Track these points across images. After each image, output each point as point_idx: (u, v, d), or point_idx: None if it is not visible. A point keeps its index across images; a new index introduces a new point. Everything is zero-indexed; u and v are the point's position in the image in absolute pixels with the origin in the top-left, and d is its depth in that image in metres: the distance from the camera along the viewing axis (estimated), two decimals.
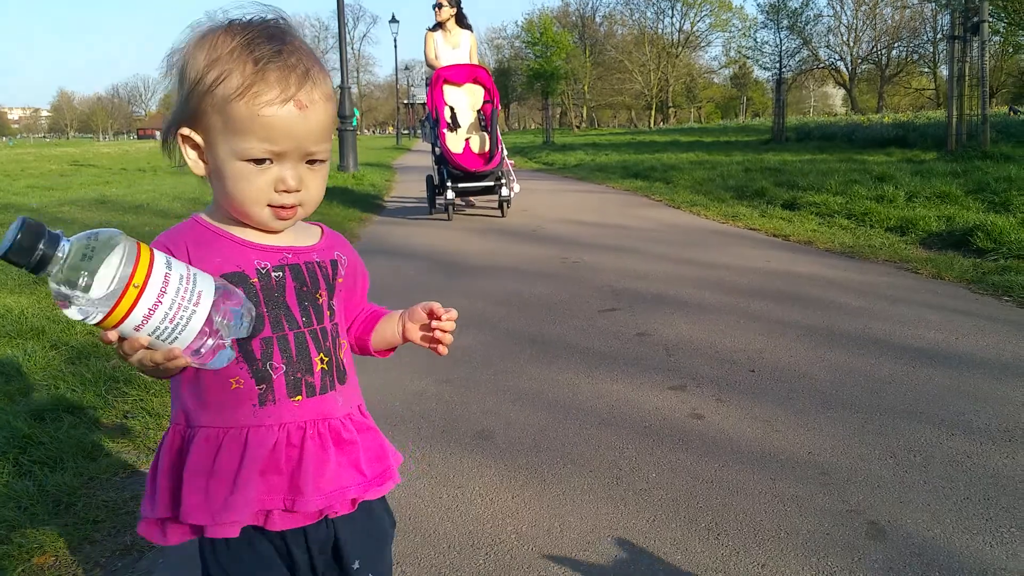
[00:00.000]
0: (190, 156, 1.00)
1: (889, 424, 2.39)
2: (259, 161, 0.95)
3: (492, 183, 7.51)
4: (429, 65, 8.17)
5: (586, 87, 65.24)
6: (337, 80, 13.56)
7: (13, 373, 3.05)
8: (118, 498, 2.09)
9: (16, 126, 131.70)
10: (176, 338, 0.82)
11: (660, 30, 67.61)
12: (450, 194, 7.38)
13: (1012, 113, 24.33)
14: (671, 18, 67.33)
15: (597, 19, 68.77)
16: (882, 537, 1.78)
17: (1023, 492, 1.95)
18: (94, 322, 0.79)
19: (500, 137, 7.80)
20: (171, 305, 0.81)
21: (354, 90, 13.32)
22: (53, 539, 1.87)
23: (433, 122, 7.67)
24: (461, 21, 8.14)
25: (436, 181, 7.80)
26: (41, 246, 0.75)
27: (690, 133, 35.52)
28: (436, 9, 8.01)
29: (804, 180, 8.75)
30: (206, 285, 0.85)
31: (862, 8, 60.03)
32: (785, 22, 25.88)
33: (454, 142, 7.50)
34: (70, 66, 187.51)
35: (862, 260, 5.09)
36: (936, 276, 4.56)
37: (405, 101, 53.79)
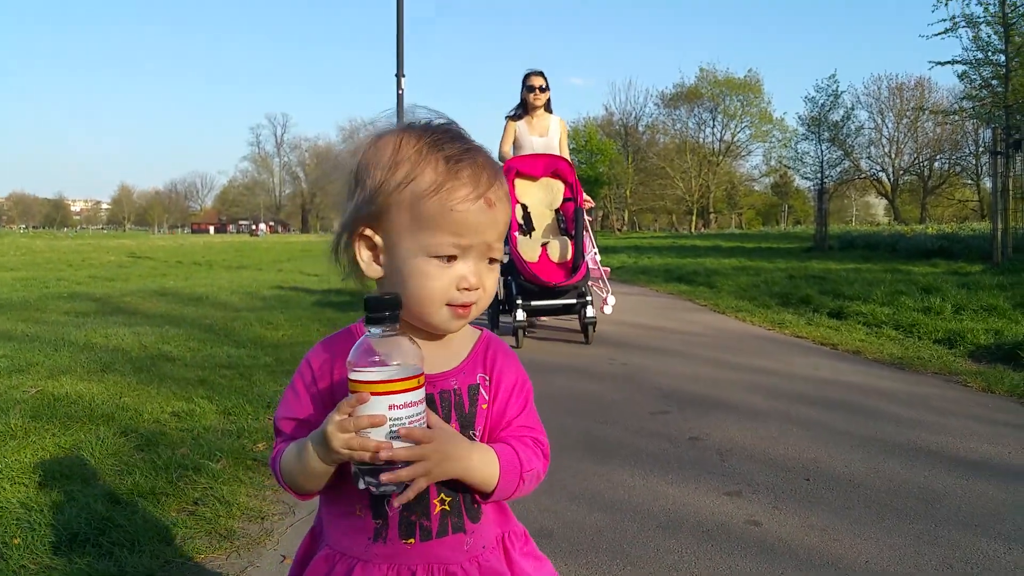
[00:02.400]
0: (363, 258, 1.03)
1: (945, 536, 2.41)
2: (444, 258, 0.98)
3: (574, 300, 6.04)
4: (502, 157, 6.68)
5: (628, 192, 66.55)
6: None
7: (87, 457, 3.22)
8: None
9: (77, 217, 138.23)
10: (397, 438, 0.93)
11: (701, 139, 69.26)
12: (520, 315, 5.85)
13: None
14: (712, 128, 69.05)
15: (640, 128, 70.79)
16: None
17: None
18: (380, 377, 0.92)
19: (591, 240, 6.53)
20: (416, 413, 0.94)
21: None
22: None
23: None
24: (548, 105, 6.79)
25: (501, 295, 6.15)
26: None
27: (731, 239, 35.84)
28: (530, 94, 6.57)
29: (849, 289, 8.80)
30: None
31: (903, 121, 60.92)
32: (826, 134, 26.39)
33: (528, 249, 6.05)
34: (132, 161, 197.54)
35: (911, 371, 5.10)
36: (986, 389, 4.56)
37: None
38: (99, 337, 6.08)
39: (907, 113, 60.02)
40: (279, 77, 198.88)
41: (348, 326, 1.13)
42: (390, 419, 0.92)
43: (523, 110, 6.73)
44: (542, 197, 6.51)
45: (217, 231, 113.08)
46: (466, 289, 1.00)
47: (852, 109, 31.97)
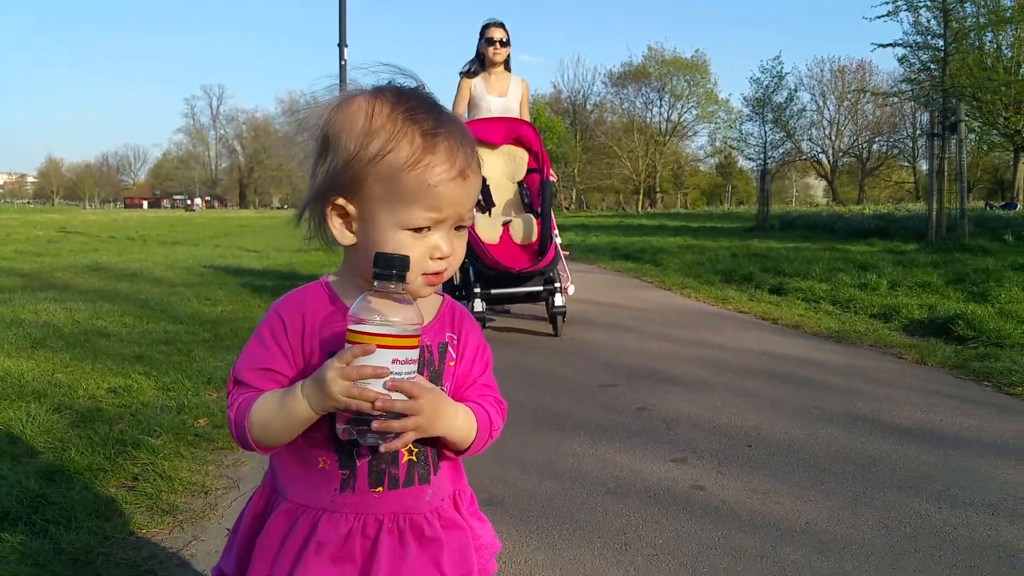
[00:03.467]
0: (335, 226, 1.03)
1: (880, 497, 2.50)
2: (418, 230, 0.99)
3: (540, 287, 5.25)
4: None
5: (576, 170, 66.84)
6: None
7: (17, 435, 3.10)
8: (136, 557, 2.14)
9: (1, 191, 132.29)
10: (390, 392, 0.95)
11: (648, 119, 69.88)
12: (479, 305, 5.08)
13: (988, 208, 25.15)
14: (659, 108, 69.70)
15: (588, 106, 71.03)
16: None
17: (1005, 561, 2.06)
18: (387, 331, 0.93)
19: (554, 228, 5.46)
20: (413, 371, 0.96)
21: None
22: None
23: None
24: (507, 63, 5.98)
25: (458, 280, 5.43)
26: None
27: (677, 218, 36.35)
28: (489, 47, 5.76)
29: (789, 267, 9.02)
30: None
31: (844, 104, 62.44)
32: (770, 116, 26.90)
33: (487, 229, 5.27)
34: (60, 132, 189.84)
35: (848, 344, 5.26)
36: (920, 361, 4.73)
37: None
38: (28, 313, 5.86)
39: (848, 95, 61.52)
40: (214, 47, 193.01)
41: (309, 284, 1.11)
42: (392, 372, 0.93)
43: (480, 66, 5.85)
44: (503, 168, 5.67)
45: (151, 206, 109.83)
46: (439, 258, 1.02)
47: (795, 91, 32.63)
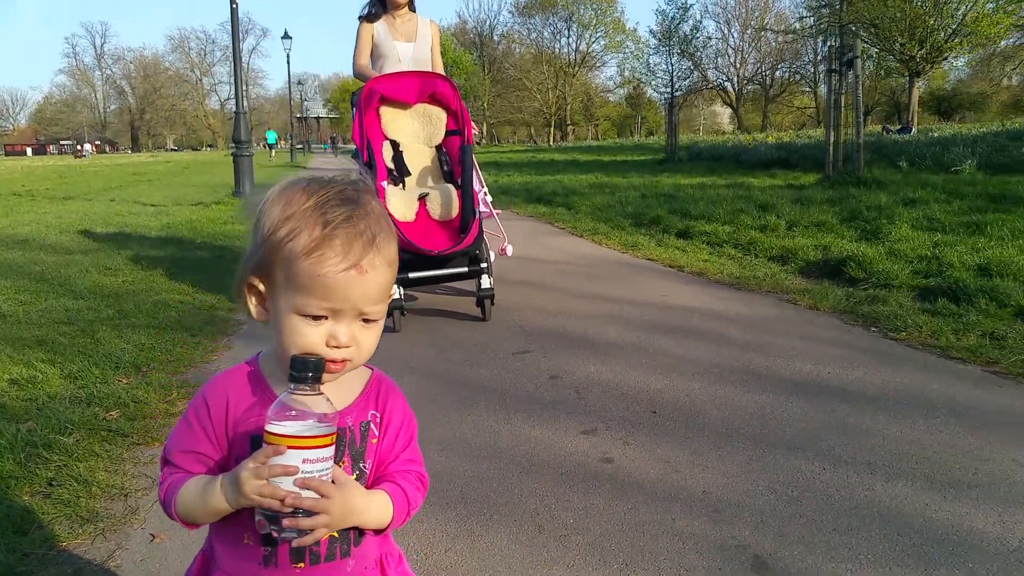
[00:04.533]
0: (252, 303, 1.09)
1: (771, 460, 2.72)
2: (315, 317, 1.03)
3: (465, 268, 4.71)
4: (359, 74, 5.25)
5: (486, 103, 66.03)
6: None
7: None
8: (59, 573, 2.15)
9: None
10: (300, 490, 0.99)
11: (557, 50, 69.28)
12: (397, 292, 4.58)
13: (885, 132, 26.26)
14: (567, 38, 69.11)
15: (495, 37, 69.77)
16: (764, 570, 2.07)
17: (878, 522, 2.30)
18: (297, 432, 0.98)
19: (479, 177, 5.02)
20: (326, 468, 1.01)
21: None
22: None
23: (364, 168, 4.93)
24: (412, 3, 5.35)
25: None
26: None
27: (588, 151, 36.61)
28: None
29: (695, 208, 9.30)
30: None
31: (748, 32, 63.35)
32: (676, 48, 27.12)
33: (401, 204, 4.69)
34: None
35: (747, 291, 5.54)
36: (813, 307, 5.04)
37: (298, 115, 52.71)
38: None
39: (752, 23, 62.38)
40: None
41: (241, 364, 1.15)
42: (302, 471, 0.98)
43: (381, 7, 5.22)
44: (418, 130, 5.13)
45: (36, 153, 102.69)
46: (336, 347, 1.04)
47: (701, 21, 32.88)
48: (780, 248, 6.94)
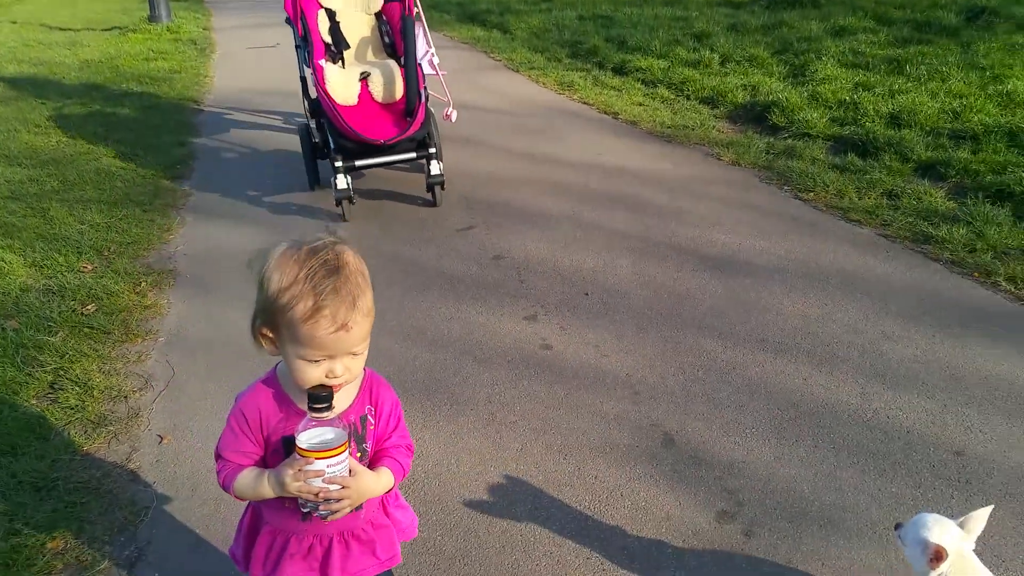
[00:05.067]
0: (264, 345, 1.37)
1: (683, 340, 3.22)
2: (315, 361, 1.33)
3: (413, 154, 4.57)
4: None
5: None
6: None
7: None
8: (90, 478, 2.54)
9: None
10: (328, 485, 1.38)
11: None
12: (342, 182, 4.41)
13: None
14: None
15: None
16: (672, 445, 2.61)
17: (764, 398, 2.84)
18: (320, 447, 1.34)
19: (426, 36, 4.82)
20: (344, 467, 1.38)
21: None
22: (52, 524, 2.33)
23: (300, 43, 4.73)
24: None
25: (317, 139, 4.79)
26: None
27: None
28: None
29: (633, 38, 9.27)
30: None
31: None
32: None
33: (341, 85, 4.45)
34: None
35: (677, 144, 5.85)
36: (735, 162, 5.41)
37: None
38: None
39: None
40: None
41: (261, 382, 1.47)
42: (327, 472, 1.37)
43: None
44: None
45: None
46: (334, 377, 1.36)
47: None
48: (711, 89, 7.15)
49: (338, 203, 4.49)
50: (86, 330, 3.42)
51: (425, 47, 5.04)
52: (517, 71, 8.63)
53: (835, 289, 3.61)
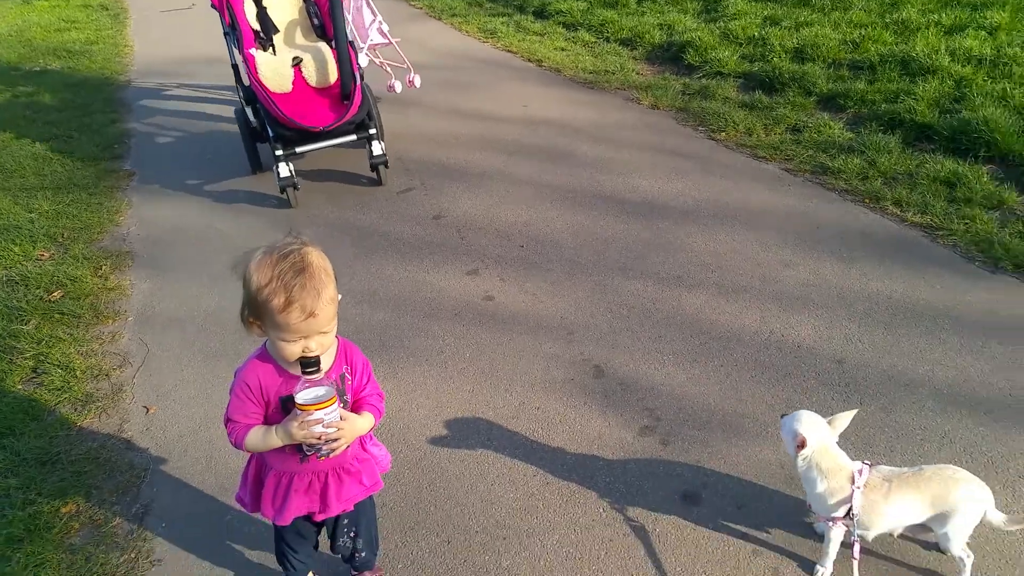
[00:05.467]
0: (254, 331, 1.70)
1: (610, 283, 3.61)
2: (292, 340, 1.67)
3: (353, 136, 4.57)
4: None
5: None
6: None
7: None
8: (88, 449, 2.84)
9: None
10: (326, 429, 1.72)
11: None
12: (284, 170, 4.42)
13: None
14: None
15: None
16: (602, 375, 3.02)
17: (680, 328, 3.26)
18: (316, 402, 1.68)
19: (375, 15, 4.91)
20: (336, 415, 1.72)
21: None
22: (62, 492, 2.64)
23: (228, 32, 4.72)
24: None
25: (255, 123, 4.78)
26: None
27: None
28: None
29: None
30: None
31: None
32: None
33: (274, 72, 4.47)
34: None
35: (599, 91, 6.17)
36: (654, 106, 5.77)
37: None
38: None
39: None
40: None
41: (255, 356, 1.79)
42: (325, 420, 1.72)
43: None
44: None
45: None
46: (310, 351, 1.72)
47: None
48: (629, 30, 7.45)
49: (283, 191, 4.52)
50: (57, 316, 3.64)
51: (371, 16, 5.11)
52: (439, 19, 8.78)
53: (742, 225, 4.04)
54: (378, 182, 4.75)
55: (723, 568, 2.22)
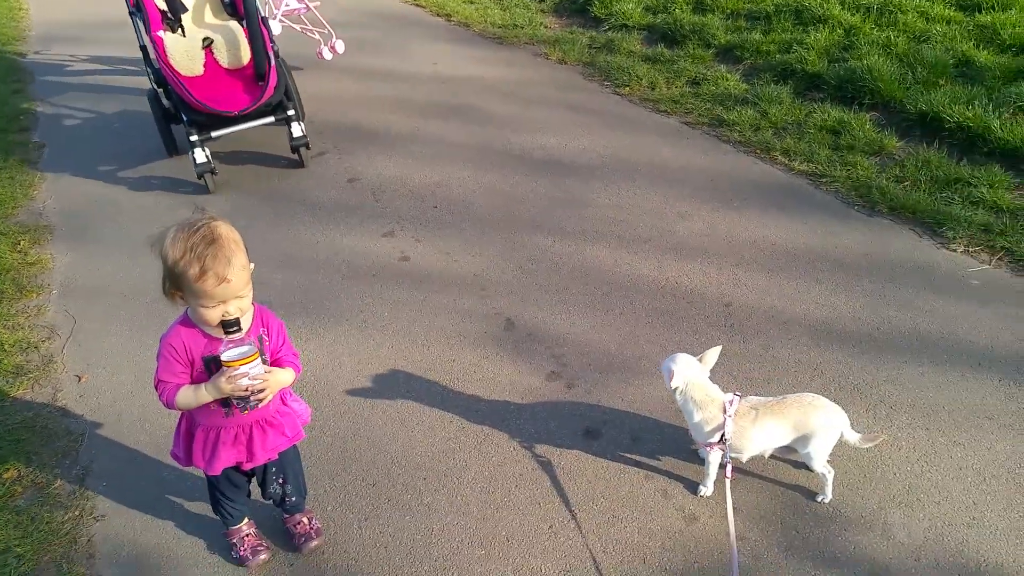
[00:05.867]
0: (176, 301, 1.87)
1: (519, 239, 3.84)
2: (211, 307, 1.83)
3: (271, 118, 4.44)
4: None
5: None
6: None
7: None
8: (24, 418, 2.94)
9: None
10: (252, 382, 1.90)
11: None
12: (200, 155, 4.28)
13: None
14: None
15: None
16: (512, 327, 3.27)
17: (584, 280, 3.53)
18: (241, 358, 1.86)
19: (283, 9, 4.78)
20: (261, 368, 1.90)
21: None
22: (2, 459, 2.75)
23: (133, 12, 4.60)
24: None
25: (167, 104, 4.67)
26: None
27: None
28: None
29: None
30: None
31: None
32: None
33: (184, 56, 4.32)
34: None
35: (508, 46, 6.32)
36: (562, 61, 5.96)
37: None
38: None
39: None
40: None
41: (179, 323, 1.95)
42: (250, 374, 1.90)
43: None
44: None
45: None
46: (228, 316, 1.88)
47: None
48: None
49: (200, 176, 4.37)
50: None
51: None
52: None
53: (643, 179, 4.31)
54: (299, 163, 4.63)
55: (619, 492, 2.52)
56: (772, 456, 2.60)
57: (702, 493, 2.51)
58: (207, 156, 4.31)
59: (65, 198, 4.54)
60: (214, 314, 1.86)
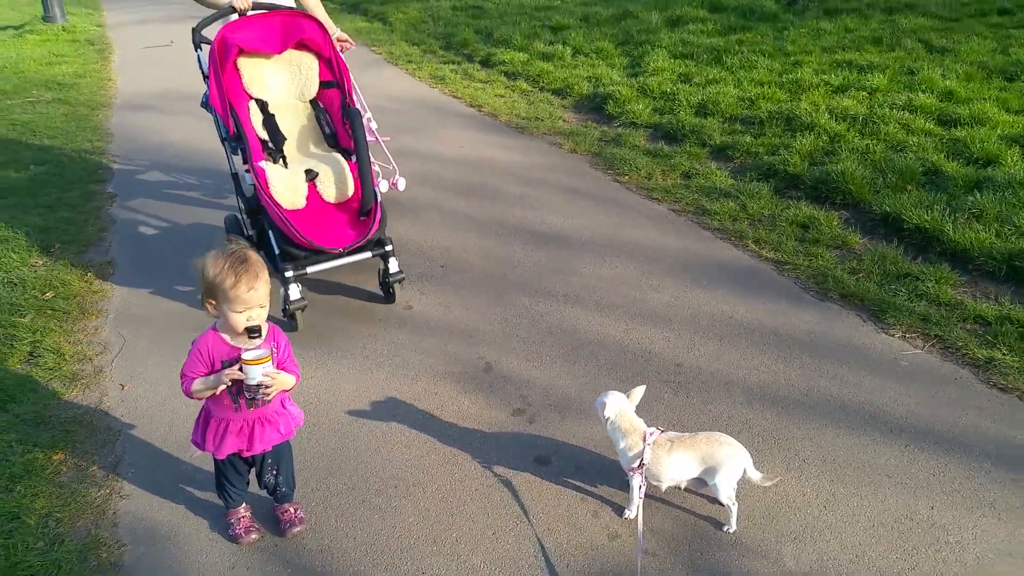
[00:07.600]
0: (210, 310, 2.38)
1: (508, 297, 4.41)
2: (239, 312, 2.34)
3: (369, 254, 4.23)
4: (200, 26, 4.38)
5: None
6: None
7: None
8: (74, 415, 3.52)
9: None
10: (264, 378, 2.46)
11: None
12: (295, 292, 4.02)
13: None
14: None
15: None
16: (490, 370, 3.81)
17: (559, 336, 4.05)
18: (258, 359, 2.42)
19: (365, 109, 4.68)
20: (272, 368, 2.46)
21: None
22: (53, 445, 3.34)
23: (233, 142, 4.23)
24: None
25: (251, 233, 4.42)
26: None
27: None
28: None
29: (499, 30, 10.37)
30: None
31: None
32: None
33: (287, 189, 4.05)
34: None
35: (528, 135, 7.04)
36: (573, 150, 6.64)
37: None
38: None
39: None
40: None
41: (209, 332, 2.52)
42: (264, 371, 2.45)
43: None
44: (286, 84, 4.41)
45: None
46: (252, 320, 2.46)
47: None
48: (562, 81, 8.37)
49: (291, 316, 4.06)
50: (49, 311, 4.33)
51: (362, 110, 4.69)
52: (396, 64, 9.63)
53: (626, 255, 4.88)
54: (390, 299, 4.37)
55: (556, 510, 2.97)
56: (687, 489, 3.02)
57: (627, 515, 2.93)
58: (300, 292, 4.05)
59: (129, 241, 5.26)
60: (241, 319, 2.40)
